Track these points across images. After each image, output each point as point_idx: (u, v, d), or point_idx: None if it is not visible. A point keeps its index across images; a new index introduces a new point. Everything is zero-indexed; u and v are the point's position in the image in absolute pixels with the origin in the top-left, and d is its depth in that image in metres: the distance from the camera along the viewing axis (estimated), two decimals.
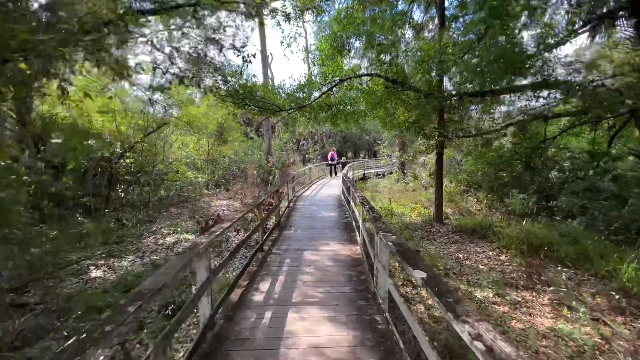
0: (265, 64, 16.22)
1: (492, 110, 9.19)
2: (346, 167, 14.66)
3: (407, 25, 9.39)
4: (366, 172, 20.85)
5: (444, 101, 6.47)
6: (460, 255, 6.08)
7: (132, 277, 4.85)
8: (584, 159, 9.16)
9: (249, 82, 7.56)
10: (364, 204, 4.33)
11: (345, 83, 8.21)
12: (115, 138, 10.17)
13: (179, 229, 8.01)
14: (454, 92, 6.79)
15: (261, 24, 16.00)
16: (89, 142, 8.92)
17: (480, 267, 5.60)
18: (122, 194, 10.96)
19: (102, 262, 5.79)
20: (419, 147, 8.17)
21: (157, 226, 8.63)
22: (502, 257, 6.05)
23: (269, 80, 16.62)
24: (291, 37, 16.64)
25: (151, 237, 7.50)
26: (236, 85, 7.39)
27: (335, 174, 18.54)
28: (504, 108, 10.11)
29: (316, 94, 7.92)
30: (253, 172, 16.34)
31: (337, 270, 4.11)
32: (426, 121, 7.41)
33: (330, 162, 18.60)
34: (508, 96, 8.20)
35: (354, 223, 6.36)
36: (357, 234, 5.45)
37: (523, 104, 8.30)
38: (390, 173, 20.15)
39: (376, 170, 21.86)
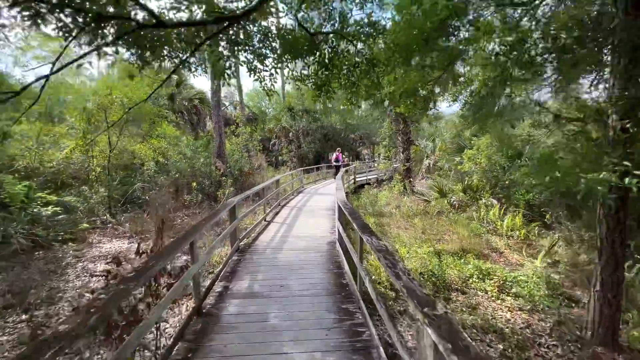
0: None
1: None
2: (339, 174, 9.48)
3: None
4: (357, 178, 15.83)
5: None
6: None
7: None
8: None
9: None
10: None
11: None
12: None
13: None
14: None
15: None
16: None
17: None
18: None
19: None
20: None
21: None
22: None
23: None
24: None
25: None
26: None
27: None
28: None
29: None
30: (193, 185, 10.67)
31: None
32: None
33: (334, 163, 15.92)
34: None
35: None
36: None
37: None
38: (391, 179, 15.26)
39: (369, 177, 16.92)
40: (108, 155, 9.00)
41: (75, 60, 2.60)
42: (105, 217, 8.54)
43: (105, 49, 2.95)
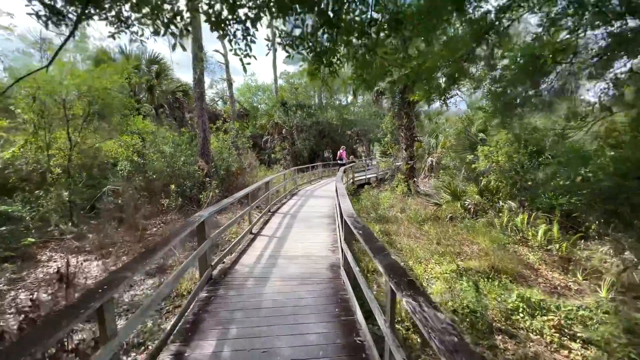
0: None
1: None
2: (339, 174, 8.38)
3: None
4: (356, 177, 14.73)
5: None
6: None
7: None
8: None
9: None
10: None
11: None
12: None
13: None
14: None
15: None
16: None
17: None
18: None
19: None
20: None
21: None
22: None
23: None
24: None
25: None
26: None
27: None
28: None
29: None
30: (171, 187, 9.38)
31: None
32: None
33: (339, 161, 15.99)
34: None
35: None
36: None
37: None
38: (392, 178, 14.15)
39: (368, 175, 15.80)
40: (68, 153, 7.65)
41: None
42: (64, 227, 7.26)
43: None
